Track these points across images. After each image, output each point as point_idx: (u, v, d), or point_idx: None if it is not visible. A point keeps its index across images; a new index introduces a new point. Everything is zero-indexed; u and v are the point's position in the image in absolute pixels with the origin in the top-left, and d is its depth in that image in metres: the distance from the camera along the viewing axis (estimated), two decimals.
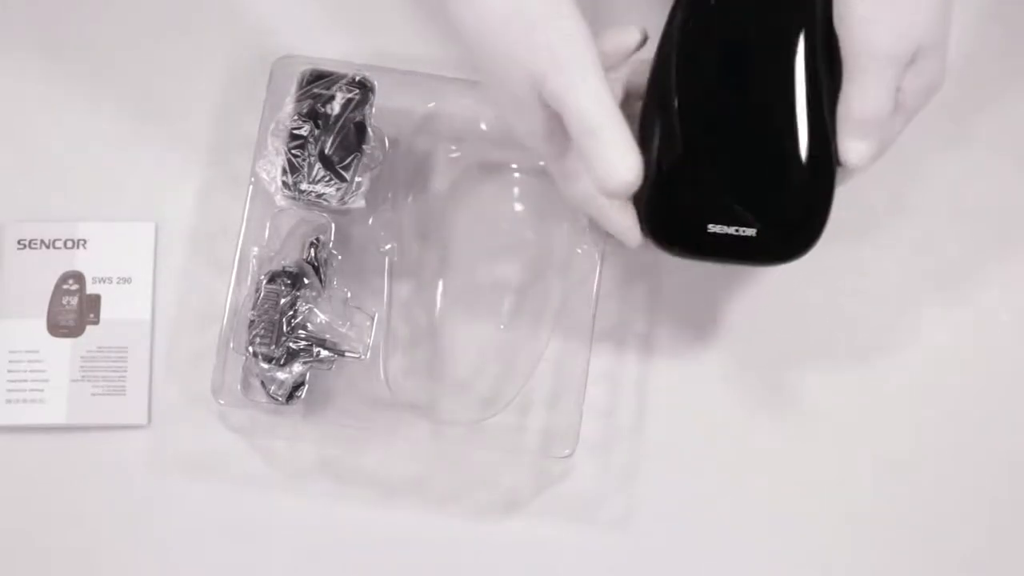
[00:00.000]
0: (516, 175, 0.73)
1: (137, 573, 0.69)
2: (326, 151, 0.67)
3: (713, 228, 0.63)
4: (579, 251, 0.70)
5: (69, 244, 0.71)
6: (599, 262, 0.69)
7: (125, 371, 0.70)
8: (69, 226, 0.72)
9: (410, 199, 0.72)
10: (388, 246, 0.70)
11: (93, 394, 0.70)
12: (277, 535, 0.69)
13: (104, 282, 0.71)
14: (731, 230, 0.63)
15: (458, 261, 0.72)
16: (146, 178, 0.73)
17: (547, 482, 0.70)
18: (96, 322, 0.71)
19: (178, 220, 0.72)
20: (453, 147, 0.72)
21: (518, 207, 0.73)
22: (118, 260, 0.72)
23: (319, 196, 0.67)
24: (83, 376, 0.70)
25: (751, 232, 0.63)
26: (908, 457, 0.71)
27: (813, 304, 0.73)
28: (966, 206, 0.75)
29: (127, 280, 0.71)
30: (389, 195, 0.71)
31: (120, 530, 0.69)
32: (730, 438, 0.71)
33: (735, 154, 0.63)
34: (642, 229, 0.64)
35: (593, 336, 0.69)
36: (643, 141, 0.60)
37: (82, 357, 0.70)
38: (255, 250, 0.68)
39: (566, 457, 0.68)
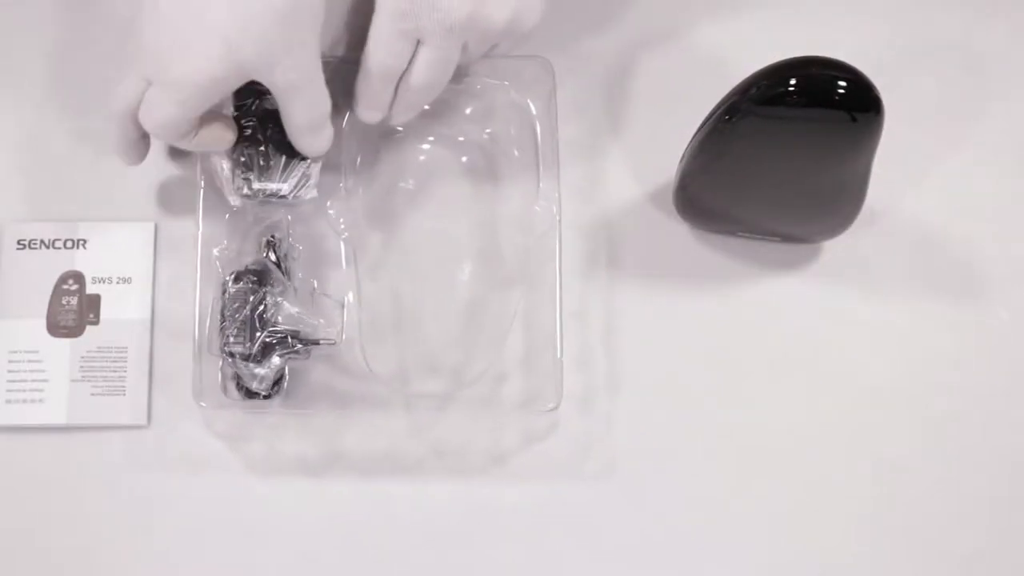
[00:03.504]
0: (463, 145, 0.74)
1: (136, 573, 0.69)
2: (272, 146, 0.68)
3: None
4: (537, 208, 0.71)
5: (69, 244, 0.71)
6: (558, 216, 0.70)
7: (125, 371, 0.70)
8: (69, 226, 0.72)
9: (362, 181, 0.73)
10: (346, 232, 0.71)
11: (93, 394, 0.70)
12: (273, 529, 0.69)
13: (104, 282, 0.71)
14: None
15: (415, 237, 0.73)
16: (146, 178, 0.73)
17: (531, 439, 0.70)
18: (96, 322, 0.71)
19: (177, 219, 0.72)
20: (399, 128, 0.74)
21: (468, 177, 0.74)
22: (118, 260, 0.72)
23: (271, 194, 0.68)
24: (83, 376, 0.70)
25: None
26: (908, 457, 0.71)
27: (812, 304, 0.73)
28: (966, 206, 0.75)
29: (127, 280, 0.71)
30: (341, 183, 0.72)
31: (118, 529, 0.69)
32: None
33: None
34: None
35: (561, 289, 0.69)
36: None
37: (82, 357, 0.70)
38: (215, 252, 0.69)
39: (552, 411, 0.68)
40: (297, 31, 0.63)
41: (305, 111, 0.66)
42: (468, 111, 0.75)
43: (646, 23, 0.78)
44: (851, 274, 0.74)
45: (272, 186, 0.68)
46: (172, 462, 0.70)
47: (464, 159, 0.74)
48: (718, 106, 0.65)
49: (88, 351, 0.70)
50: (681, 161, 0.70)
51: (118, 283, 0.71)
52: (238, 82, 0.64)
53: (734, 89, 0.63)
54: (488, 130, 0.73)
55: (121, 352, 0.70)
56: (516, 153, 0.74)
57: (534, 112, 0.73)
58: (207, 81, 0.63)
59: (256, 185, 0.68)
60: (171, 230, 0.72)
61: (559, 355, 0.69)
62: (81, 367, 0.70)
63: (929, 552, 0.70)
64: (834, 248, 0.74)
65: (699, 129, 0.67)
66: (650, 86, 0.77)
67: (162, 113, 0.64)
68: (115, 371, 0.70)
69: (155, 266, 0.72)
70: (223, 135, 0.67)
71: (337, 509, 0.70)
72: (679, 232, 0.74)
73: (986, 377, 0.73)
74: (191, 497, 0.69)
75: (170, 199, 0.73)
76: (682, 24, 0.78)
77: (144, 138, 0.68)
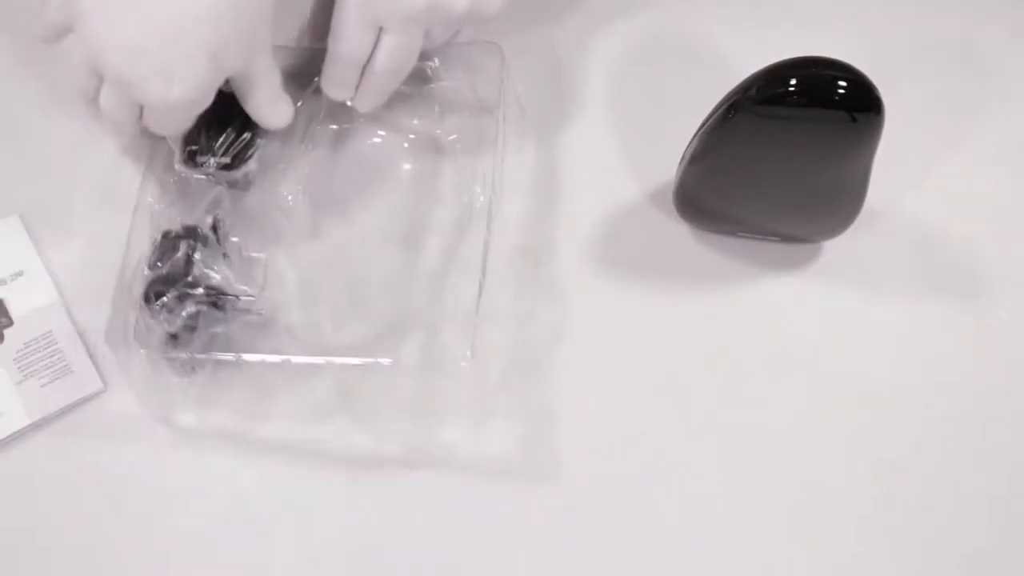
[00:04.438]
0: (409, 127, 0.76)
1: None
2: (217, 122, 0.71)
3: None
4: (477, 190, 0.73)
5: None
6: (488, 197, 0.71)
7: (61, 352, 0.71)
8: None
9: (306, 160, 0.75)
10: (288, 197, 0.73)
11: (42, 386, 0.70)
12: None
13: None
14: None
15: (350, 207, 0.75)
16: None
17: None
18: (11, 323, 0.71)
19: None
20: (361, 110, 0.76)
21: (412, 158, 0.76)
22: (0, 260, 0.73)
23: (218, 167, 0.71)
24: (25, 376, 0.70)
25: None
26: (908, 457, 0.71)
27: (812, 304, 0.73)
28: (966, 206, 0.75)
29: (19, 274, 0.73)
30: (281, 164, 0.74)
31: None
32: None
33: None
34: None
35: (487, 253, 0.70)
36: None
37: (14, 360, 0.71)
38: (152, 210, 0.71)
39: (468, 363, 0.67)
40: (261, 29, 0.68)
41: (267, 90, 0.70)
42: (414, 98, 0.76)
43: (646, 23, 0.78)
44: (851, 274, 0.74)
45: (217, 160, 0.71)
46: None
47: (410, 138, 0.76)
48: (718, 106, 0.65)
49: (18, 351, 0.71)
50: (681, 161, 0.70)
51: (12, 280, 0.72)
52: (221, 83, 0.68)
53: (734, 89, 0.63)
54: (434, 116, 0.76)
55: (48, 338, 0.71)
56: (460, 137, 0.76)
57: (482, 97, 0.75)
58: (202, 96, 0.67)
59: (200, 159, 0.71)
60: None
61: (476, 313, 0.68)
62: (19, 368, 0.70)
63: (929, 552, 0.70)
64: (834, 248, 0.74)
65: (699, 129, 0.67)
66: (650, 86, 0.77)
67: (173, 127, 0.69)
68: (51, 356, 0.71)
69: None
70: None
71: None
72: (679, 232, 0.75)
73: (986, 377, 0.73)
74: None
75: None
76: (682, 24, 0.78)
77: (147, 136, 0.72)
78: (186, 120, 0.69)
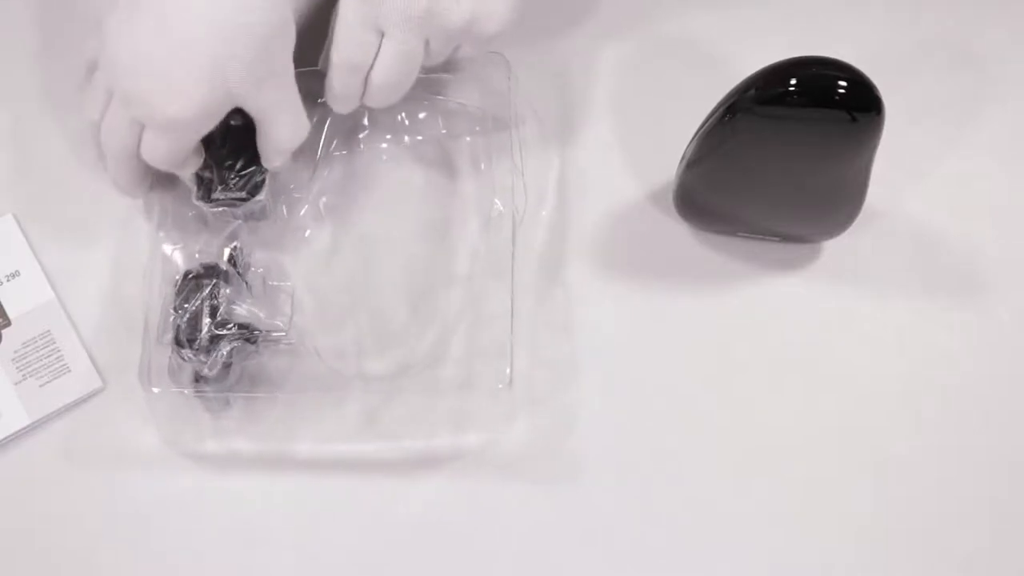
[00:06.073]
0: (420, 141, 0.76)
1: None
2: (230, 156, 0.70)
3: None
4: (497, 203, 0.72)
5: None
6: (514, 213, 0.71)
7: (59, 351, 0.71)
8: None
9: (318, 175, 0.75)
10: (304, 229, 0.73)
11: (41, 386, 0.70)
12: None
13: None
14: None
15: (369, 229, 0.74)
16: None
17: (491, 437, 0.70)
18: (8, 323, 0.71)
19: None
20: (364, 122, 0.76)
21: (425, 171, 0.75)
22: None
23: (231, 200, 0.70)
24: (24, 376, 0.70)
25: None
26: (908, 457, 0.71)
27: (812, 304, 0.73)
28: (966, 206, 0.75)
29: (15, 274, 0.72)
30: (291, 186, 0.74)
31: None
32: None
33: None
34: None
35: (514, 276, 0.70)
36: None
37: (12, 360, 0.71)
38: (170, 248, 0.70)
39: (504, 388, 0.68)
40: (278, 54, 0.66)
41: (286, 131, 0.69)
42: (425, 104, 0.76)
43: (646, 23, 0.78)
44: (851, 274, 0.74)
45: (230, 195, 0.70)
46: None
47: (422, 154, 0.75)
48: (718, 106, 0.65)
49: (16, 351, 0.71)
50: (681, 161, 0.70)
51: (8, 280, 0.72)
52: (227, 109, 0.66)
53: (734, 89, 0.63)
54: (444, 131, 0.76)
55: (46, 337, 0.71)
56: (476, 151, 0.75)
57: (491, 110, 0.75)
58: (203, 116, 0.66)
59: (216, 194, 0.70)
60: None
61: (510, 336, 0.68)
62: (18, 368, 0.70)
63: (929, 552, 0.70)
64: (834, 248, 0.74)
65: (699, 129, 0.67)
66: (650, 86, 0.77)
67: (166, 152, 0.67)
68: (50, 356, 0.71)
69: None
70: (196, 158, 0.70)
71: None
72: (679, 232, 0.74)
73: (986, 377, 0.73)
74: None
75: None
76: (682, 24, 0.78)
77: (145, 173, 0.71)
78: (182, 146, 0.67)
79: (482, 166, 0.75)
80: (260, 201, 0.70)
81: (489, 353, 0.70)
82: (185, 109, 0.64)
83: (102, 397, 0.71)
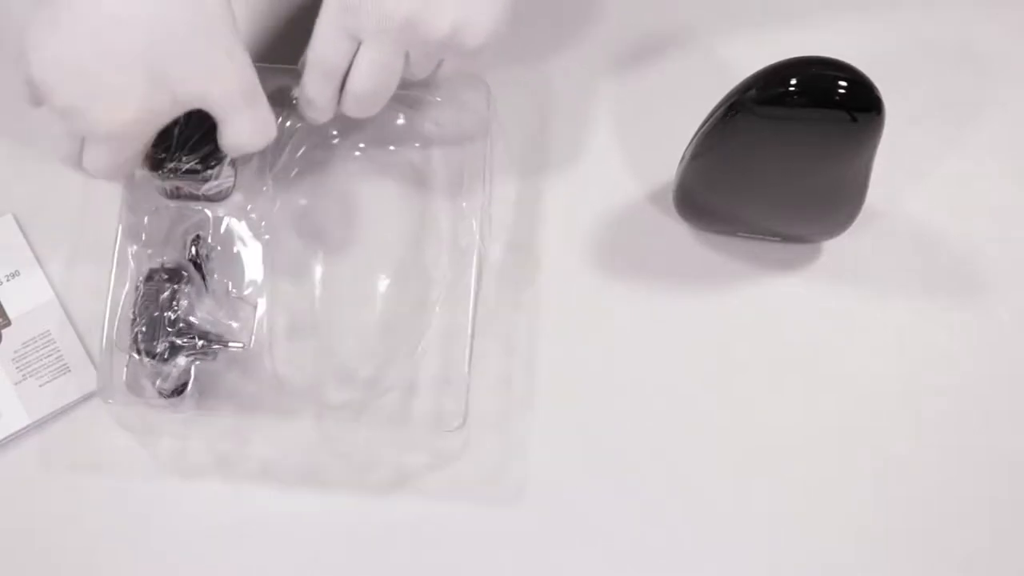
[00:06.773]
0: (392, 155, 0.74)
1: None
2: (185, 125, 0.65)
3: None
4: (474, 223, 0.72)
5: None
6: (479, 236, 0.71)
7: (59, 351, 0.71)
8: None
9: (286, 185, 0.73)
10: (267, 235, 0.71)
11: (41, 386, 0.70)
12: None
13: None
14: None
15: (335, 246, 0.73)
16: None
17: (441, 461, 0.70)
18: (8, 323, 0.71)
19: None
20: (334, 132, 0.74)
21: (397, 187, 0.74)
22: None
23: (185, 172, 0.66)
24: (24, 375, 0.70)
25: None
26: (908, 457, 0.71)
27: (812, 304, 0.73)
28: (966, 206, 0.75)
29: (15, 274, 0.72)
30: (264, 187, 0.72)
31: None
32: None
33: None
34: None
35: (476, 309, 0.69)
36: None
37: (13, 360, 0.71)
38: (133, 248, 0.69)
39: (457, 429, 0.67)
40: (220, 45, 0.61)
41: (246, 131, 0.64)
42: (400, 122, 0.75)
43: (646, 23, 0.78)
44: (851, 274, 0.74)
45: (184, 165, 0.66)
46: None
47: (393, 170, 0.74)
48: (718, 106, 0.65)
49: (16, 351, 0.71)
50: (681, 161, 0.70)
51: (8, 280, 0.72)
52: (175, 111, 0.62)
53: (734, 89, 0.63)
54: (417, 144, 0.75)
55: (45, 337, 0.71)
56: (447, 169, 0.74)
57: (469, 131, 0.74)
58: (143, 123, 0.62)
59: (170, 164, 0.66)
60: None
61: (466, 371, 0.68)
62: (18, 368, 0.70)
63: (929, 552, 0.70)
64: (834, 248, 0.74)
65: (699, 129, 0.67)
66: (650, 86, 0.77)
67: (109, 163, 0.63)
68: (50, 355, 0.71)
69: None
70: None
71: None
72: (679, 232, 0.74)
73: (986, 377, 0.73)
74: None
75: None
76: (683, 24, 0.78)
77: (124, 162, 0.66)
78: (126, 156, 0.63)
79: (454, 196, 0.74)
80: (223, 183, 0.67)
81: (452, 383, 0.69)
82: (122, 117, 0.60)
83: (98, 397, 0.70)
